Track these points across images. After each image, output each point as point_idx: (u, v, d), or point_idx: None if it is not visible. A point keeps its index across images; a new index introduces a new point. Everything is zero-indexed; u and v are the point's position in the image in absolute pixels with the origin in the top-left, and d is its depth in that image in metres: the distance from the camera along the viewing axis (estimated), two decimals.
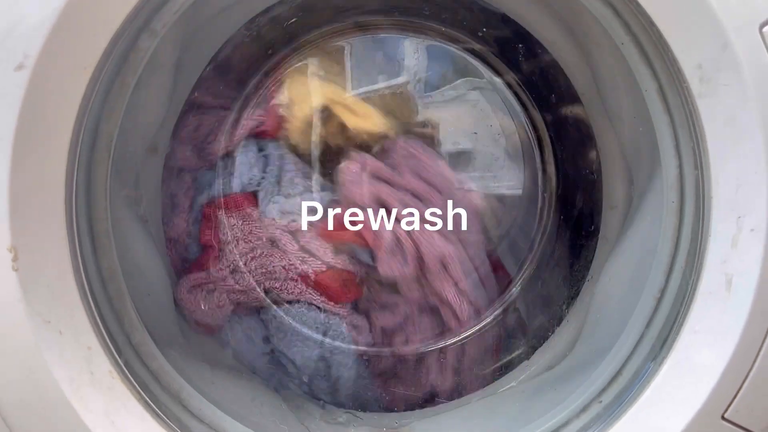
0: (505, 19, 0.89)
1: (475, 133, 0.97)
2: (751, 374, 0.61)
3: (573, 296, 0.89)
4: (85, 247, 0.65)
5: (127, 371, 0.65)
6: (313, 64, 0.95)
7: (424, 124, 1.01)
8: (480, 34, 0.95)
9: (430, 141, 1.00)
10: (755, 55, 0.57)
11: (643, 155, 0.76)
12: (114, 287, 0.69)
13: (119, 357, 0.65)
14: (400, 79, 1.00)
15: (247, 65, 0.92)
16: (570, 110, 0.92)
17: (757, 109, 0.57)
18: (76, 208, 0.63)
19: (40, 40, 0.55)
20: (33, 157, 0.57)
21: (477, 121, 0.98)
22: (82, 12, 0.56)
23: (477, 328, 0.97)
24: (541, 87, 0.96)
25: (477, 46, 0.96)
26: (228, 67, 0.89)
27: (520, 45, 0.92)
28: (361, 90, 0.99)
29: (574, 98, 0.88)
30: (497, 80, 0.97)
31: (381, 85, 0.99)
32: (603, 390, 0.71)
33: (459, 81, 0.99)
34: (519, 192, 1.00)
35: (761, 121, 0.58)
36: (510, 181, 0.99)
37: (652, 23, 0.59)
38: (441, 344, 0.96)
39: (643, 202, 0.77)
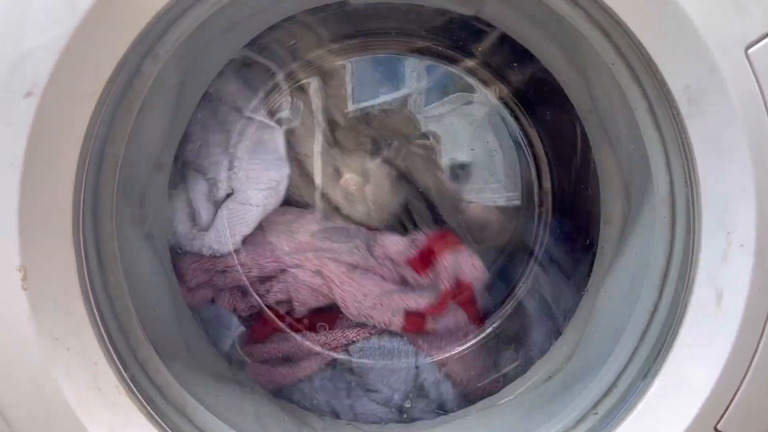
0: (503, 38, 0.91)
1: (473, 149, 0.99)
2: (743, 386, 0.62)
3: (571, 310, 0.90)
4: (92, 265, 0.67)
5: (133, 386, 0.67)
6: (313, 84, 0.98)
7: (425, 136, 1.03)
8: (476, 53, 0.97)
9: (432, 152, 1.02)
10: (742, 77, 0.58)
11: (638, 171, 0.77)
12: (120, 304, 0.71)
13: (125, 372, 0.67)
14: (399, 94, 1.02)
15: (248, 85, 0.94)
16: (567, 126, 0.93)
17: (744, 129, 0.59)
18: (83, 228, 0.65)
19: (48, 69, 0.56)
20: (42, 180, 0.59)
21: (473, 136, 1.00)
22: (88, 41, 0.57)
23: (476, 340, 0.98)
24: (538, 104, 0.98)
25: (473, 64, 0.98)
26: (230, 87, 0.91)
27: (517, 63, 0.93)
28: (361, 105, 1.01)
29: (572, 115, 0.89)
30: (492, 98, 0.99)
31: (380, 100, 1.01)
32: (598, 402, 0.73)
33: (453, 96, 1.00)
34: (516, 204, 1.01)
35: (748, 140, 0.59)
36: (507, 195, 1.01)
37: (640, 45, 0.60)
38: (440, 356, 0.98)
39: (639, 217, 0.78)
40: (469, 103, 1.01)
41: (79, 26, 0.57)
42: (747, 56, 0.58)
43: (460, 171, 1.02)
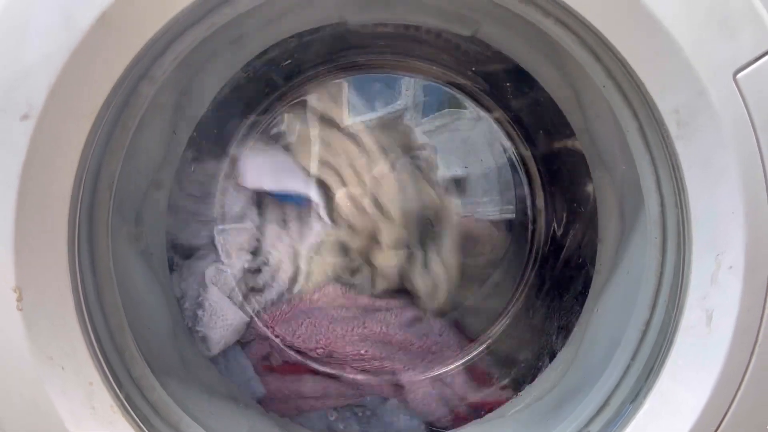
0: (499, 58, 0.91)
1: (466, 167, 1.00)
2: (732, 408, 0.62)
3: (564, 328, 0.91)
4: (87, 284, 0.67)
5: (127, 405, 0.67)
6: (310, 101, 0.99)
7: (422, 147, 1.04)
8: (470, 72, 0.97)
9: (428, 164, 1.02)
10: (730, 101, 0.58)
11: (630, 192, 0.78)
12: (115, 322, 0.71)
13: (120, 391, 0.67)
14: (395, 108, 1.02)
15: (245, 104, 0.94)
16: (561, 146, 0.93)
17: (733, 152, 0.59)
18: (78, 248, 0.65)
19: (44, 91, 0.57)
20: (37, 201, 0.59)
21: (467, 154, 1.00)
22: (85, 63, 0.58)
23: (467, 359, 0.99)
24: (532, 123, 0.98)
25: (467, 83, 0.99)
26: (226, 107, 0.92)
27: (512, 82, 0.94)
28: (357, 119, 1.02)
29: (566, 134, 0.90)
30: (487, 116, 1.00)
31: (376, 114, 1.02)
32: (591, 420, 0.73)
33: (445, 111, 1.01)
34: (510, 220, 1.02)
35: (737, 164, 0.59)
36: (501, 211, 1.02)
37: (630, 68, 0.60)
38: (430, 374, 0.98)
39: (631, 237, 0.79)
40: (460, 119, 1.02)
41: (76, 49, 0.57)
42: (735, 81, 0.58)
43: (454, 186, 1.02)
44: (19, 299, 0.60)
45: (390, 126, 1.03)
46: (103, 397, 0.65)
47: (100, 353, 0.66)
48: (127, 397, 0.68)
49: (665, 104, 0.60)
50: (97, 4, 0.57)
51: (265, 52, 0.87)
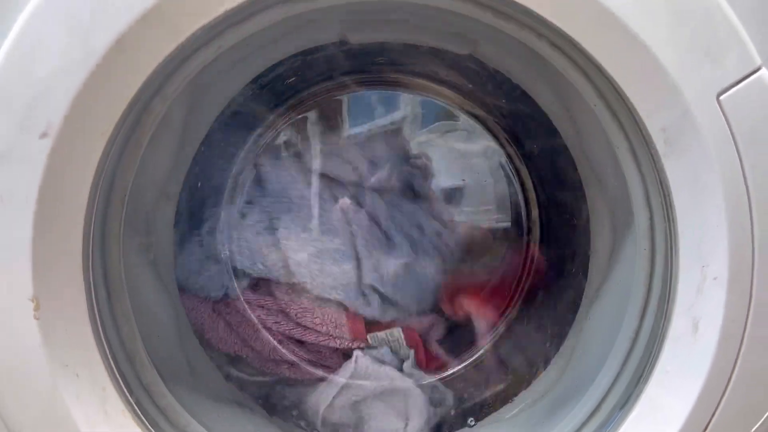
0: (496, 75, 0.94)
1: (463, 180, 1.03)
2: (717, 412, 0.65)
3: (558, 336, 0.93)
4: (100, 294, 0.69)
5: (138, 409, 0.69)
6: (311, 117, 1.01)
7: (417, 156, 1.07)
8: (467, 88, 1.00)
9: (424, 173, 1.05)
10: (714, 121, 0.61)
11: (620, 205, 0.81)
12: (126, 330, 0.73)
13: (131, 396, 0.69)
14: (392, 120, 1.05)
15: (249, 120, 0.97)
16: (555, 159, 0.96)
17: (717, 169, 0.62)
18: (92, 259, 0.67)
19: (63, 111, 0.59)
20: (54, 215, 0.61)
21: (464, 166, 1.03)
22: (101, 84, 0.60)
23: (463, 365, 1.01)
24: (527, 137, 1.01)
25: (464, 100, 1.01)
26: (232, 122, 0.95)
27: (508, 99, 0.97)
28: (356, 130, 1.05)
29: (560, 149, 0.93)
30: (482, 129, 1.03)
31: (374, 125, 1.05)
32: (583, 424, 0.76)
33: (439, 123, 1.04)
34: (506, 228, 1.05)
35: (721, 180, 0.62)
36: (497, 221, 1.04)
37: (619, 89, 0.63)
38: (428, 380, 1.01)
39: (622, 248, 0.81)
40: (453, 130, 1.05)
41: (93, 70, 0.59)
42: (719, 102, 0.61)
43: (449, 196, 1.05)
44: (36, 309, 0.62)
45: (388, 138, 1.06)
46: (116, 403, 0.67)
47: (112, 360, 0.69)
48: (138, 402, 0.71)
49: (653, 123, 0.63)
50: (114, 29, 0.59)
51: (269, 69, 0.90)
